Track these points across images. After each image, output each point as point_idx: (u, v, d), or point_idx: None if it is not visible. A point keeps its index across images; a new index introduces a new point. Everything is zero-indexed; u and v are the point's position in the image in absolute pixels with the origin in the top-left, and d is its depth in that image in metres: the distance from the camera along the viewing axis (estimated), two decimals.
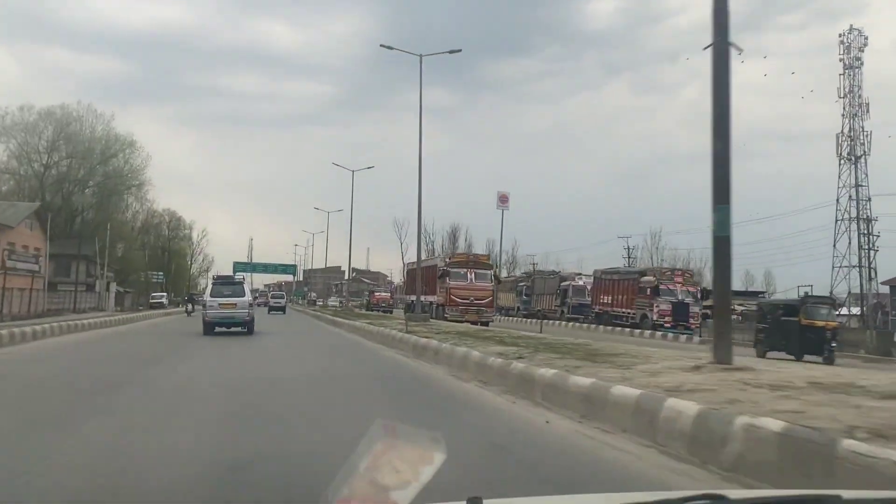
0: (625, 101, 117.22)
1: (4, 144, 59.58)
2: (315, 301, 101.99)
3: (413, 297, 33.21)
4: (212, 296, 22.46)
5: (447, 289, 34.79)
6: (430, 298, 35.58)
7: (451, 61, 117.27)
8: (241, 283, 23.91)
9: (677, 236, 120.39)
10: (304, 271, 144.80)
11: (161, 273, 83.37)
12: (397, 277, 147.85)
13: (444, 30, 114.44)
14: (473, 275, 35.11)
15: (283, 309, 55.35)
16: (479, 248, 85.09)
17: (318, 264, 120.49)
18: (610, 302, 40.38)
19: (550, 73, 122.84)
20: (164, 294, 69.57)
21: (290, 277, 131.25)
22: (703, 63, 9.56)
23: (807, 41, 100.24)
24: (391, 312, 51.95)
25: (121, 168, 67.86)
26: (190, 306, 41.40)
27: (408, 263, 50.22)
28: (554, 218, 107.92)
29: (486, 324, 31.36)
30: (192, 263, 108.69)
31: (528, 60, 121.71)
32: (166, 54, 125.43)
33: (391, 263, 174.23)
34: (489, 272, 36.86)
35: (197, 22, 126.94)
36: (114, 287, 55.66)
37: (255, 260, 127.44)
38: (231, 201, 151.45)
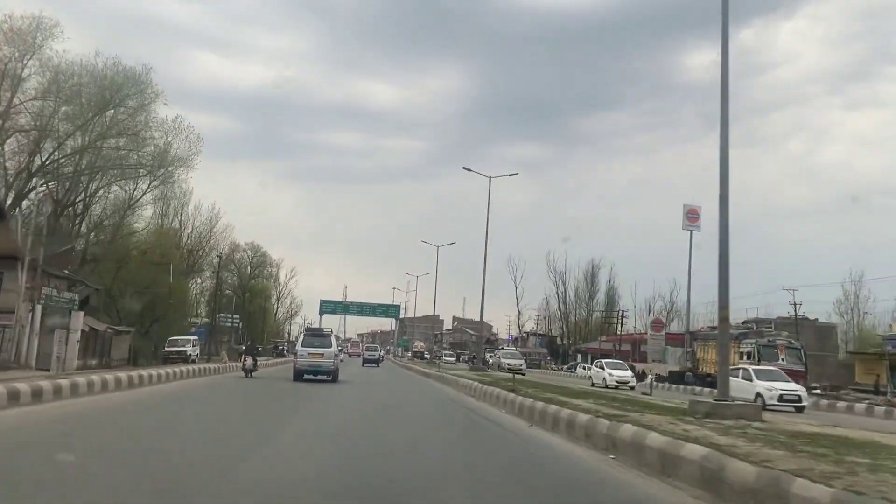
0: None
1: None
2: (423, 354, 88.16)
3: None
4: (302, 346, 24.71)
5: None
6: None
7: (544, 115, 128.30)
8: (329, 336, 25.65)
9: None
10: (400, 320, 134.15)
11: (237, 316, 72.81)
12: (504, 325, 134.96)
13: (534, 85, 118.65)
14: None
15: (377, 362, 53.57)
16: (624, 291, 71.45)
17: (422, 311, 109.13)
18: None
19: (647, 126, 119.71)
20: (193, 337, 48.61)
21: (388, 324, 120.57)
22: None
23: None
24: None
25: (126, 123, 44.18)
26: (250, 361, 26.82)
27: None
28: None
29: None
30: (277, 307, 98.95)
31: (620, 114, 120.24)
32: (272, 112, 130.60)
33: (500, 308, 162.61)
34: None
35: (301, 81, 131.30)
36: (78, 321, 31.40)
37: (350, 314, 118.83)
38: (327, 252, 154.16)
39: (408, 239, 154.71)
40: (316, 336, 25.44)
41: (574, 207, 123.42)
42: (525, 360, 67.66)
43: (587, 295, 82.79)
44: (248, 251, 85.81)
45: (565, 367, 71.67)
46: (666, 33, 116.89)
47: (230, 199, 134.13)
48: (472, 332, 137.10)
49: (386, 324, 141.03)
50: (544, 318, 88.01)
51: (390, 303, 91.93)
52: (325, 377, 23.71)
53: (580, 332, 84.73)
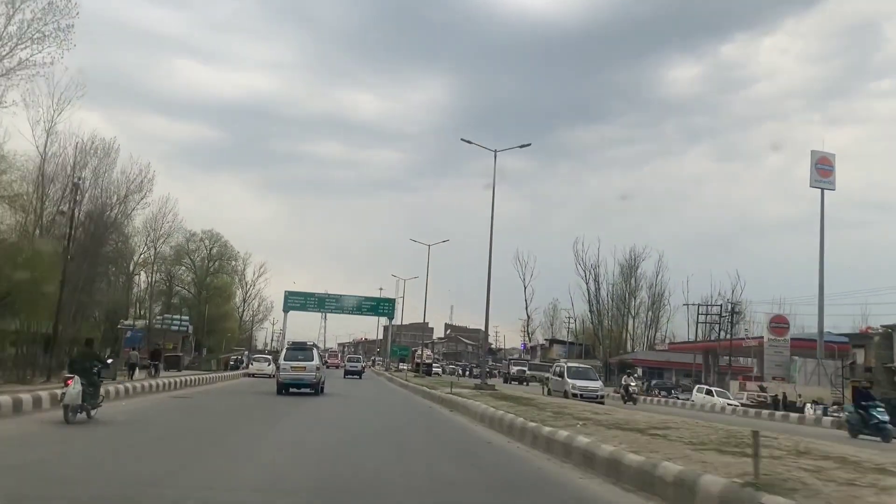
0: (707, 167, 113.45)
1: None
2: (430, 368, 60.47)
3: None
4: (285, 359, 24.82)
5: None
6: None
7: (529, 127, 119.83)
8: (311, 349, 25.92)
9: None
10: (386, 327, 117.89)
11: (186, 318, 55.74)
12: (511, 331, 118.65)
13: (519, 98, 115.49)
14: None
15: (359, 374, 50.96)
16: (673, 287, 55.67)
17: (408, 319, 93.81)
18: None
19: (629, 140, 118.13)
20: None
21: (374, 328, 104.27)
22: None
23: None
24: None
25: None
26: (77, 388, 12.33)
27: None
28: None
29: None
30: (243, 309, 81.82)
31: (607, 126, 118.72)
32: (253, 122, 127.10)
33: (498, 314, 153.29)
34: None
35: (284, 92, 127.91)
36: None
37: (330, 321, 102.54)
38: (307, 263, 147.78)
39: (392, 248, 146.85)
40: (299, 350, 25.49)
41: (559, 219, 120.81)
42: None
43: (625, 293, 67.18)
44: (206, 240, 68.99)
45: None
46: (650, 48, 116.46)
47: (211, 208, 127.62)
48: (468, 342, 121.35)
49: (372, 327, 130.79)
50: (567, 322, 71.79)
51: (379, 296, 73.73)
52: (308, 390, 23.95)
53: (613, 338, 69.28)
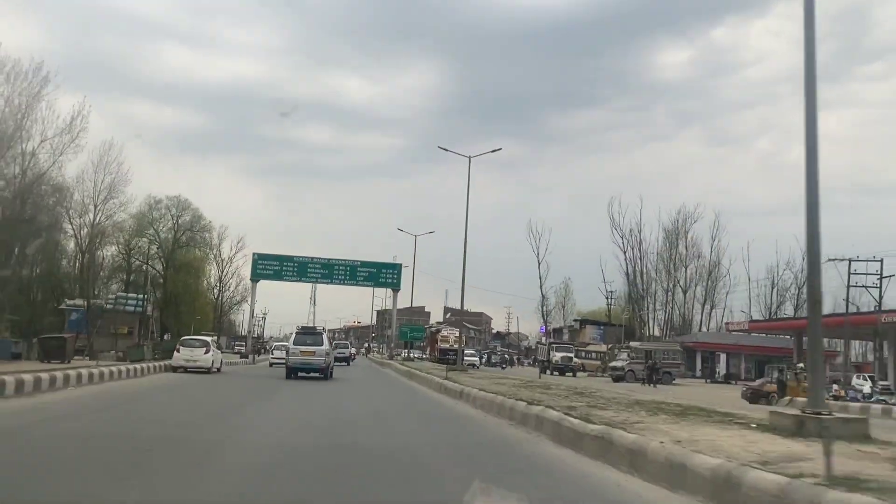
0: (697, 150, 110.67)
1: None
2: (455, 357, 41.37)
3: None
4: (294, 343, 25.06)
5: None
6: None
7: (519, 113, 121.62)
8: (321, 334, 26.19)
9: None
10: (380, 312, 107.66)
11: (140, 296, 45.49)
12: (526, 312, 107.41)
13: (511, 81, 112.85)
14: None
15: (346, 360, 44.02)
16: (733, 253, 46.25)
17: (401, 303, 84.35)
18: None
19: (621, 125, 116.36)
20: None
21: (376, 300, 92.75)
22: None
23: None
24: None
25: None
26: None
27: None
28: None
29: None
30: (219, 289, 71.00)
31: (597, 111, 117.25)
32: (242, 107, 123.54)
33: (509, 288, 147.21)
34: None
35: (271, 75, 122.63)
36: None
37: (320, 306, 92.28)
38: (298, 249, 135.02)
39: (383, 234, 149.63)
40: (308, 334, 25.78)
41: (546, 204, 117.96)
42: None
43: (671, 264, 56.87)
44: (172, 208, 58.27)
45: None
46: (640, 31, 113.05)
47: (199, 194, 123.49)
48: (471, 326, 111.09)
49: (369, 309, 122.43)
50: (608, 298, 60.93)
51: (383, 261, 58.17)
52: (317, 374, 24.02)
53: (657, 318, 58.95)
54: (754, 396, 26.19)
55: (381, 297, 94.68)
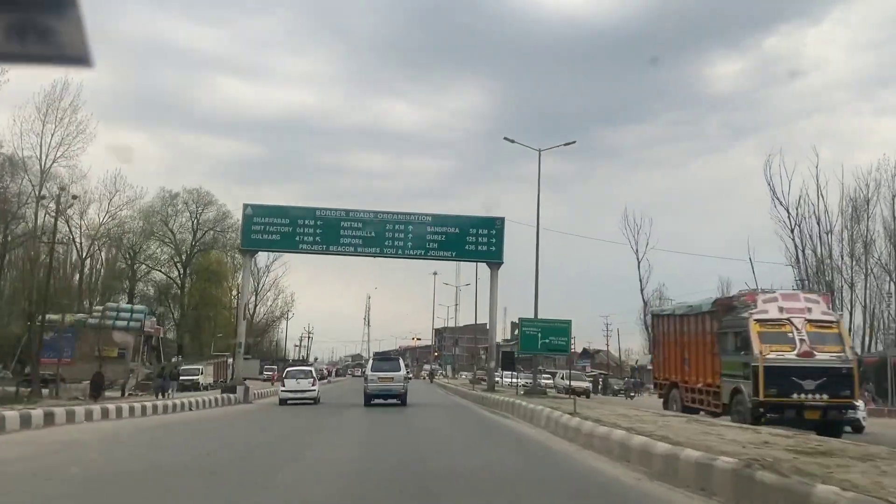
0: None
1: None
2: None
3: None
4: (372, 370, 25.52)
5: None
6: None
7: (566, 131, 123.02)
8: (397, 360, 27.18)
9: None
10: (439, 330, 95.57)
11: (140, 310, 34.66)
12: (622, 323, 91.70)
13: (556, 101, 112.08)
14: None
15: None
16: None
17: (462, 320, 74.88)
18: None
19: (672, 138, 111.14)
20: None
21: (460, 275, 75.34)
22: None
23: None
24: None
25: None
26: None
27: None
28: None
29: None
30: (256, 304, 60.28)
31: (647, 126, 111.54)
32: (294, 137, 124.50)
33: (570, 309, 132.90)
34: None
35: (323, 105, 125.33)
36: None
37: (374, 325, 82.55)
38: (348, 277, 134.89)
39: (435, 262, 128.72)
40: (385, 360, 26.59)
41: (600, 222, 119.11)
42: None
43: (860, 248, 42.42)
44: (191, 203, 47.92)
45: None
46: (690, 43, 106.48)
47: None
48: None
49: (429, 311, 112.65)
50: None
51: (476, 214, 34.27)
52: (394, 401, 24.38)
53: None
54: None
55: (445, 300, 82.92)
